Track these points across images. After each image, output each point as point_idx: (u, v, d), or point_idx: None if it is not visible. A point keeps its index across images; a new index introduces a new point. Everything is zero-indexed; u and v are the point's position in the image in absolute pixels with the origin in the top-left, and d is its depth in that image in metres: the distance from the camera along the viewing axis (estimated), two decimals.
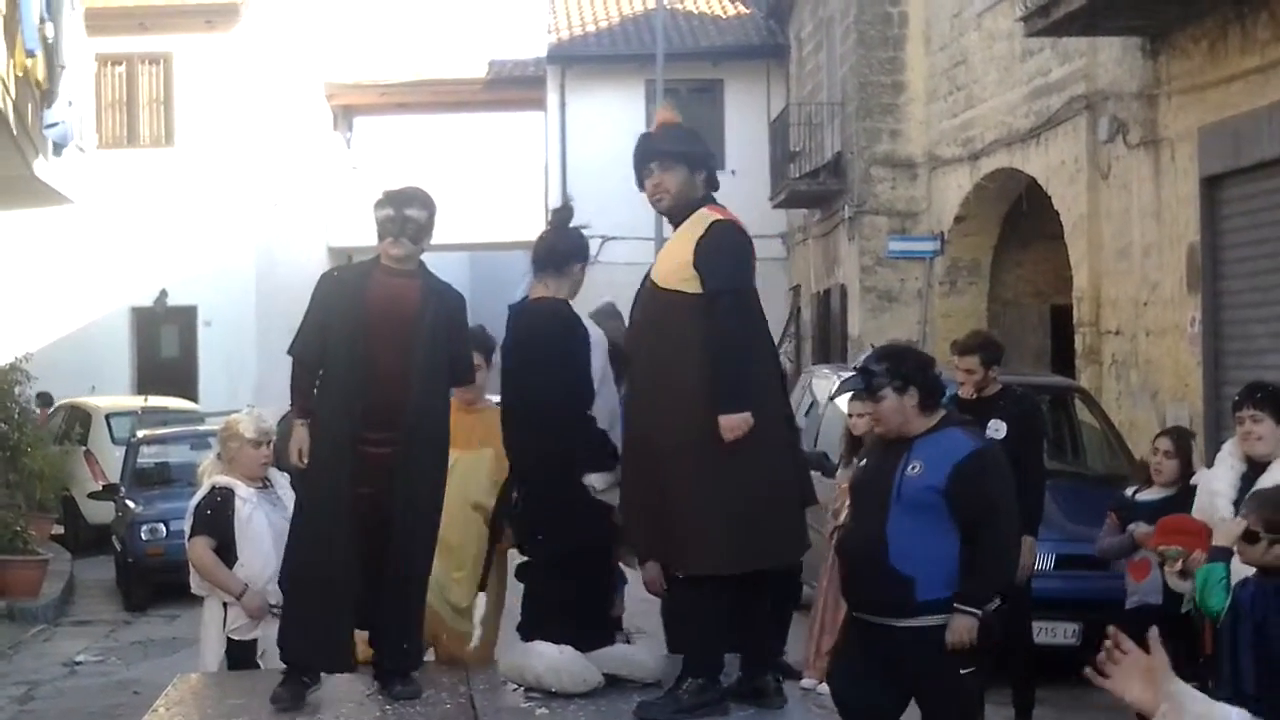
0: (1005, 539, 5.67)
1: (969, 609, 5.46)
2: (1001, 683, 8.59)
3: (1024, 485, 8.22)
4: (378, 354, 5.79)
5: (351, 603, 5.76)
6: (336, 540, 5.72)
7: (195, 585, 7.42)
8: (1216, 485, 7.01)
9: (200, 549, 7.17)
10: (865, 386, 5.83)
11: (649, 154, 5.72)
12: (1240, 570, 5.79)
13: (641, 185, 5.80)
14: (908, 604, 5.52)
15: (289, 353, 6.06)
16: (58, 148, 16.70)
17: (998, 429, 8.39)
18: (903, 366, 5.76)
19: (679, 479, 5.46)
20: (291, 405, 6.09)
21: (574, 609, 5.93)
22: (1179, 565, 6.86)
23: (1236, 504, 6.60)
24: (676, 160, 5.67)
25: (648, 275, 5.74)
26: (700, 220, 5.65)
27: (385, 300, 5.88)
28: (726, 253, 5.56)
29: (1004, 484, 5.67)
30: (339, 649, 5.82)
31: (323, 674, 5.92)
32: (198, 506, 7.28)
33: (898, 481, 5.59)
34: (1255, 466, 6.85)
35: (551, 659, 5.78)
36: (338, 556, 5.71)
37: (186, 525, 7.38)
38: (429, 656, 6.52)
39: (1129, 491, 8.13)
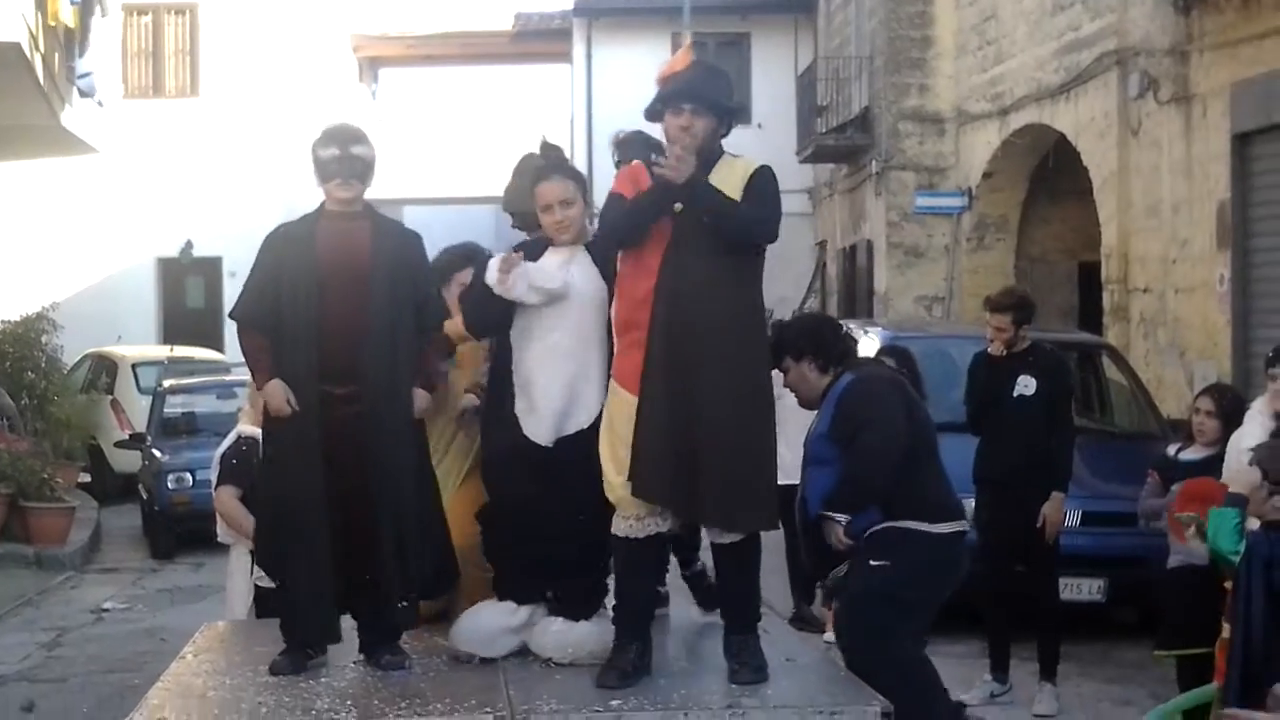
0: (863, 449, 5.63)
1: (830, 515, 5.70)
2: (1027, 638, 8.60)
3: (1054, 442, 8.31)
4: (334, 304, 5.44)
5: (331, 569, 5.38)
6: (310, 502, 5.36)
7: (222, 534, 7.47)
8: (1246, 443, 6.95)
9: (227, 498, 7.21)
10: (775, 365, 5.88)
11: (686, 95, 5.37)
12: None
13: (656, 117, 5.49)
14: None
15: (231, 316, 5.76)
16: (84, 95, 16.71)
17: (1027, 385, 8.39)
18: (789, 335, 6.02)
19: (756, 432, 5.16)
20: (252, 373, 5.68)
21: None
22: (1191, 530, 6.80)
23: None
24: (709, 109, 5.37)
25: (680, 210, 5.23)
26: (736, 164, 5.38)
27: (336, 248, 5.56)
28: (772, 199, 5.31)
29: (872, 405, 5.71)
30: (324, 619, 5.47)
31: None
32: (224, 456, 7.33)
33: (807, 442, 5.91)
34: None
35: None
36: (313, 519, 5.36)
37: (213, 475, 7.43)
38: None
39: (1171, 450, 7.79)
